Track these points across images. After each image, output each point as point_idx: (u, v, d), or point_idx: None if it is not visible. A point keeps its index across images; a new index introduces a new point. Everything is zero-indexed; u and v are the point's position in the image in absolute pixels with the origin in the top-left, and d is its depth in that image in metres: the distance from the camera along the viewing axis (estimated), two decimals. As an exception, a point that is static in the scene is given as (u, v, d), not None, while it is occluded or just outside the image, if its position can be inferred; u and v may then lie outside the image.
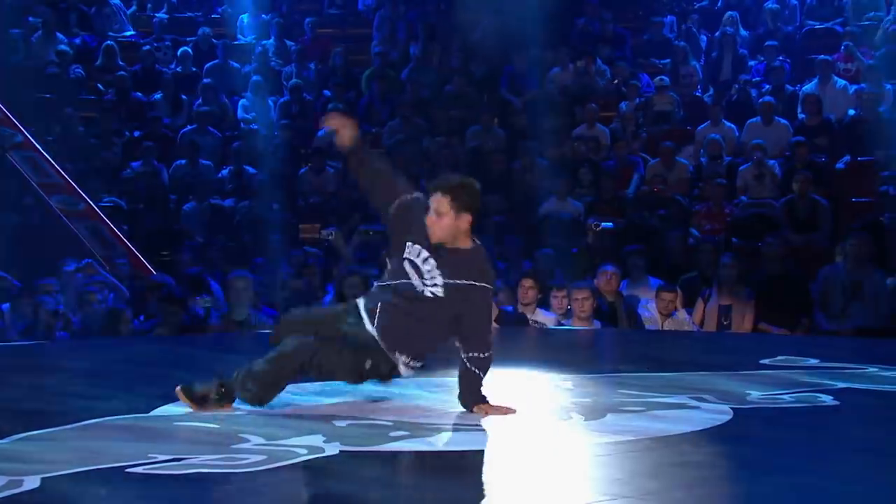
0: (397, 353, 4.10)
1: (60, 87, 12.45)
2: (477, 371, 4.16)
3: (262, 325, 7.80)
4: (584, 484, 3.31)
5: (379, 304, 4.11)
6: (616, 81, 12.28)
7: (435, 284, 4.08)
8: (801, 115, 11.26)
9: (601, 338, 7.34)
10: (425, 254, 4.11)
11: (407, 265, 4.12)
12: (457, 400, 4.23)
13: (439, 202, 4.07)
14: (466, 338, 4.13)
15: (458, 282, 4.08)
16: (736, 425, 4.09)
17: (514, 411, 4.18)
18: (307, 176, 11.36)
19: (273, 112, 12.51)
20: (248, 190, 11.23)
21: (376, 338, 4.08)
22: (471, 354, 4.13)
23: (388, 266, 4.25)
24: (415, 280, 4.10)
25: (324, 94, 12.66)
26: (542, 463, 3.56)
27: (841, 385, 4.93)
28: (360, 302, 4.20)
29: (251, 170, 11.51)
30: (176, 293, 8.03)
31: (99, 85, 12.65)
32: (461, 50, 12.75)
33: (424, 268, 4.10)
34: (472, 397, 4.18)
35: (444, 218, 4.07)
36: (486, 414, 4.13)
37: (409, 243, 4.14)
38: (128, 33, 13.65)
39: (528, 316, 7.54)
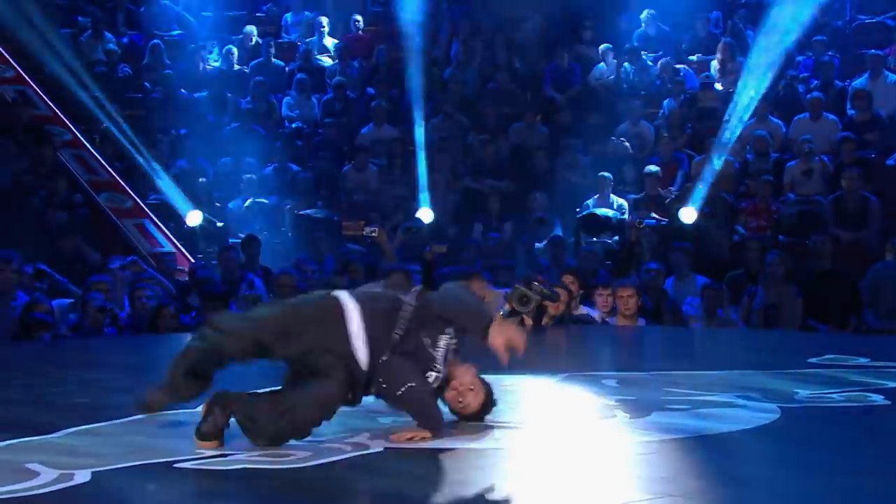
0: None
1: (108, 86, 12.61)
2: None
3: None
4: (628, 482, 3.29)
5: None
6: (661, 78, 12.20)
7: None
8: (850, 111, 11.12)
9: (646, 335, 7.29)
10: None
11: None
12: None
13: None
14: None
15: None
16: (784, 424, 4.05)
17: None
18: (350, 173, 11.41)
19: (317, 110, 12.59)
20: (292, 187, 11.30)
21: None
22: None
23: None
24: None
25: (367, 91, 12.71)
26: (586, 461, 3.55)
27: (892, 384, 4.85)
28: None
29: (295, 167, 11.58)
30: (217, 289, 8.08)
31: (146, 83, 12.79)
32: (505, 47, 12.74)
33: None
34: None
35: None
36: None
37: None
38: (174, 32, 13.79)
39: (573, 313, 7.50)
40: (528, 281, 6.72)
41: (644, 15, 12.68)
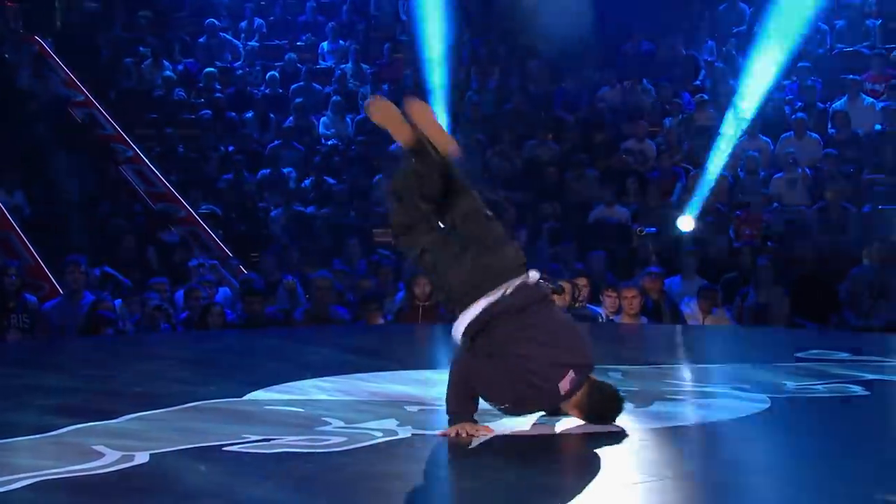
0: None
1: (165, 109, 12.69)
2: None
3: (341, 320, 7.85)
4: (632, 465, 3.27)
5: None
6: (660, 99, 12.15)
7: None
8: (831, 130, 11.06)
9: (647, 332, 7.25)
10: None
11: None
12: None
13: None
14: None
15: None
16: (773, 413, 4.01)
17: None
18: (382, 182, 11.43)
19: (350, 128, 12.61)
20: (328, 198, 11.32)
21: None
22: None
23: None
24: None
25: (396, 112, 12.69)
26: (594, 446, 3.52)
27: (870, 377, 4.81)
28: None
29: (330, 180, 11.60)
30: (257, 286, 8.09)
31: (199, 105, 12.84)
32: (519, 72, 12.73)
33: None
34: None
35: None
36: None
37: None
38: (224, 61, 13.83)
39: (578, 307, 7.45)
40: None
41: (645, 42, 12.65)
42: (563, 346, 3.53)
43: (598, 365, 5.07)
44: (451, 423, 3.53)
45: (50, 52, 12.75)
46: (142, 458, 3.18)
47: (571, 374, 3.51)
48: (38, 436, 3.49)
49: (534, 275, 3.62)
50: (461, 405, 3.52)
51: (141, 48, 13.50)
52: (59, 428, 3.59)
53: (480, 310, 3.51)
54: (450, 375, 3.55)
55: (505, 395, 3.50)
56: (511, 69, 12.83)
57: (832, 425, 3.93)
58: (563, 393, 3.51)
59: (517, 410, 3.57)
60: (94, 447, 3.29)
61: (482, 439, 3.51)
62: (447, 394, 3.55)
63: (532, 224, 10.53)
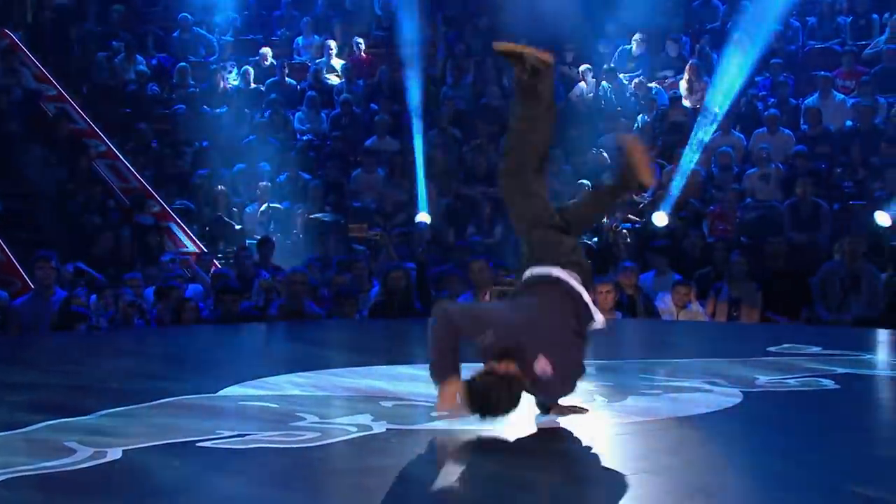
0: None
1: (139, 103, 12.59)
2: None
3: (316, 315, 7.83)
4: (608, 460, 3.28)
5: None
6: (635, 95, 12.19)
7: None
8: (803, 126, 11.14)
9: (622, 328, 7.27)
10: None
11: None
12: None
13: None
14: None
15: None
16: (746, 407, 4.04)
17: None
18: (360, 176, 11.41)
19: (325, 124, 12.56)
20: (303, 194, 11.28)
21: None
22: None
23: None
24: None
25: (371, 107, 12.68)
26: (569, 440, 3.53)
27: (841, 371, 4.85)
28: None
29: (306, 175, 11.56)
30: (233, 285, 8.05)
31: (172, 100, 12.75)
32: (494, 67, 12.72)
33: None
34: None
35: None
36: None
37: None
38: (198, 56, 13.74)
39: None
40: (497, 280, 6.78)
41: (636, 37, 12.68)
42: (567, 341, 3.60)
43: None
44: (438, 390, 3.44)
45: (21, 46, 12.62)
46: (114, 454, 3.15)
47: (548, 362, 3.43)
48: (9, 432, 3.45)
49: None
50: (445, 364, 3.41)
51: (114, 42, 13.38)
52: (30, 424, 3.55)
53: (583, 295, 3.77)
54: (431, 331, 3.43)
55: (495, 321, 3.40)
56: (486, 64, 12.82)
57: (803, 419, 3.96)
58: (527, 364, 3.39)
59: (490, 340, 3.37)
60: (67, 443, 3.26)
61: (459, 436, 3.51)
62: (430, 357, 3.45)
63: (507, 219, 10.52)
